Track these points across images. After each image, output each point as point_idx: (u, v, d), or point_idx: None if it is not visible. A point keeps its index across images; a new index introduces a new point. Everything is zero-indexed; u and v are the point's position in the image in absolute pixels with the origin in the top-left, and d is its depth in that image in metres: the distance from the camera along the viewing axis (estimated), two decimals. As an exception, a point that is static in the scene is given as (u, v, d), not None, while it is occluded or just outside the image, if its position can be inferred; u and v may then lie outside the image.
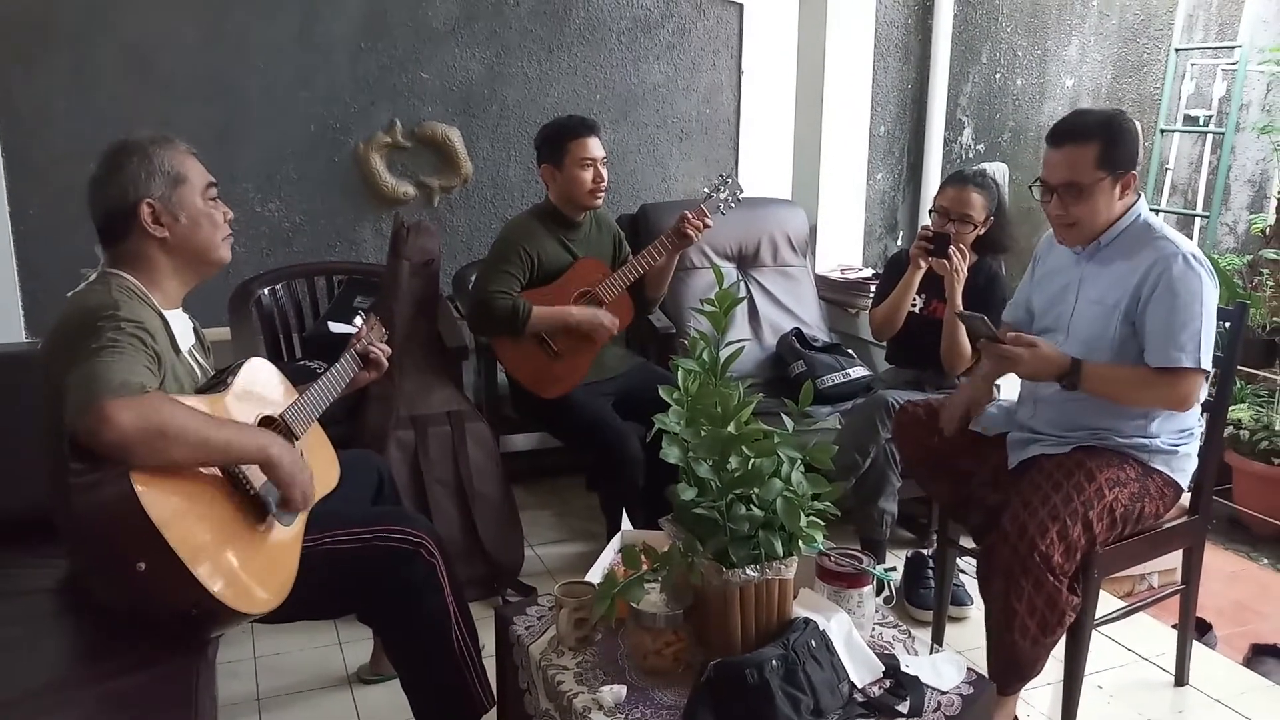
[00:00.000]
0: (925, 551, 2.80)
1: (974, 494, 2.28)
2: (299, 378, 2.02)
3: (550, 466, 3.60)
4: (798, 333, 3.40)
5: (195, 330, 1.88)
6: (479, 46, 3.44)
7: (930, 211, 2.83)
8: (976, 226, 2.74)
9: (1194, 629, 2.44)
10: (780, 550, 1.54)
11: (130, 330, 1.57)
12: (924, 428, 2.37)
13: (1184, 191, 4.88)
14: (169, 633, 1.59)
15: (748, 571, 1.53)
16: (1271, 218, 4.40)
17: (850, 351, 3.35)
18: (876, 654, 1.65)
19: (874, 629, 1.77)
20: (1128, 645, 2.57)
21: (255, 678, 2.42)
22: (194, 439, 1.51)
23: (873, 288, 3.24)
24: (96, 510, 1.47)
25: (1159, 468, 2.11)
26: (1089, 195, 2.03)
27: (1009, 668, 2.03)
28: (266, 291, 3.09)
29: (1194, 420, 2.15)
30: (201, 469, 1.58)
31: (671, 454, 1.56)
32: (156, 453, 1.47)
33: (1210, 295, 2.00)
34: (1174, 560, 2.46)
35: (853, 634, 1.65)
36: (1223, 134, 4.53)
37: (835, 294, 3.74)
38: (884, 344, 3.02)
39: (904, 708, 1.54)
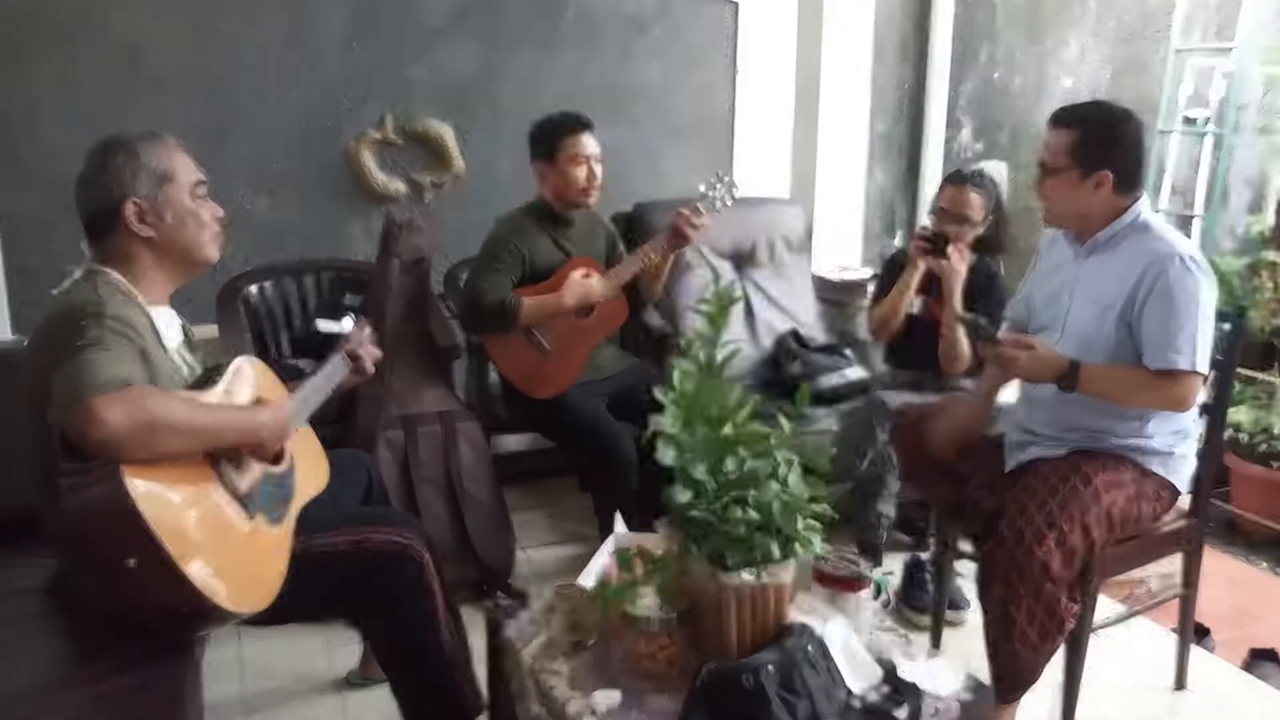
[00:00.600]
0: (923, 555, 2.78)
1: (971, 497, 2.26)
2: (286, 378, 1.99)
3: (543, 468, 3.55)
4: (795, 333, 3.38)
5: (183, 328, 1.86)
6: (472, 42, 3.42)
7: (929, 212, 2.81)
8: (975, 226, 2.72)
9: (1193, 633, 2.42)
10: (777, 553, 1.52)
11: (116, 328, 1.55)
12: (924, 431, 2.34)
13: (1183, 193, 4.86)
14: (157, 633, 1.59)
15: (743, 575, 1.51)
16: (1270, 219, 4.39)
17: (848, 352, 3.33)
18: (874, 659, 1.63)
19: (871, 633, 1.75)
20: (1127, 649, 2.55)
21: (241, 681, 2.39)
22: (185, 428, 1.51)
23: (871, 288, 3.22)
24: (87, 507, 1.45)
25: (1155, 470, 2.09)
26: (1057, 180, 2.07)
27: (1009, 676, 2.02)
28: (255, 289, 3.06)
29: (1189, 421, 2.14)
30: (192, 467, 1.56)
31: (667, 455, 1.54)
32: (148, 445, 1.45)
33: (1208, 297, 1.99)
34: (1173, 564, 2.45)
35: (850, 639, 1.63)
36: (1221, 135, 4.52)
37: (833, 294, 3.72)
38: (882, 344, 2.99)
39: (902, 713, 1.52)
